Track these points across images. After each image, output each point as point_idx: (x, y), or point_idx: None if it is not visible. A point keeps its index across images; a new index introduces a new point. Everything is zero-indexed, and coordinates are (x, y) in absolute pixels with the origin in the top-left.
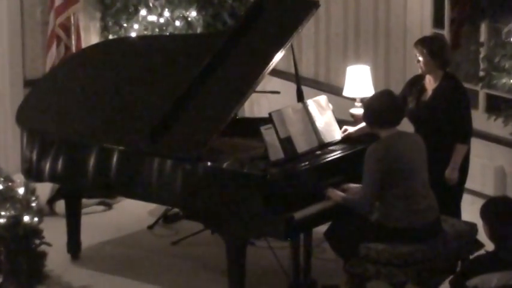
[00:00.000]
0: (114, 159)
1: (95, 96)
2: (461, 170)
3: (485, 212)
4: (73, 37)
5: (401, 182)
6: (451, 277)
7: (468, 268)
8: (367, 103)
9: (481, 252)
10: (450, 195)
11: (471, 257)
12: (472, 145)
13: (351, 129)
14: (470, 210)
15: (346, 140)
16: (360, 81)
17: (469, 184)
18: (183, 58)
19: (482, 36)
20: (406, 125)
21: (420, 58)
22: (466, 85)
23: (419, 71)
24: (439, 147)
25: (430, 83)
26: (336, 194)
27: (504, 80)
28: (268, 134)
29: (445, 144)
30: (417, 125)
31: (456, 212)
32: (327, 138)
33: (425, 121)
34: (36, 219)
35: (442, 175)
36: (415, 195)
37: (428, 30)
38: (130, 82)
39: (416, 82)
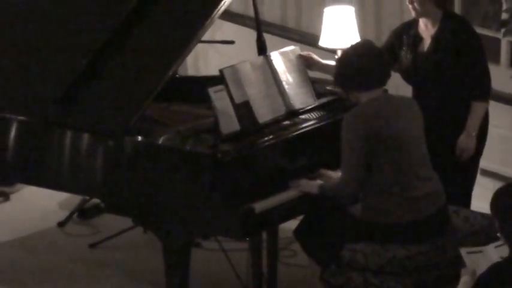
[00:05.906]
0: (12, 133)
1: None
2: (477, 138)
3: (495, 205)
4: None
5: (391, 162)
6: None
7: (484, 279)
8: (340, 60)
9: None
10: (462, 177)
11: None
12: (490, 111)
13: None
14: (489, 198)
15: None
16: (341, 28)
17: (486, 163)
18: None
19: None
20: (400, 88)
21: None
22: (484, 31)
23: (413, 15)
24: (448, 112)
25: (427, 28)
26: (311, 186)
27: None
28: (218, 98)
29: (455, 107)
30: (417, 84)
31: (466, 195)
32: (298, 104)
33: (427, 79)
34: None
35: (451, 150)
36: (411, 178)
37: None
38: (33, 34)
39: (407, 30)
